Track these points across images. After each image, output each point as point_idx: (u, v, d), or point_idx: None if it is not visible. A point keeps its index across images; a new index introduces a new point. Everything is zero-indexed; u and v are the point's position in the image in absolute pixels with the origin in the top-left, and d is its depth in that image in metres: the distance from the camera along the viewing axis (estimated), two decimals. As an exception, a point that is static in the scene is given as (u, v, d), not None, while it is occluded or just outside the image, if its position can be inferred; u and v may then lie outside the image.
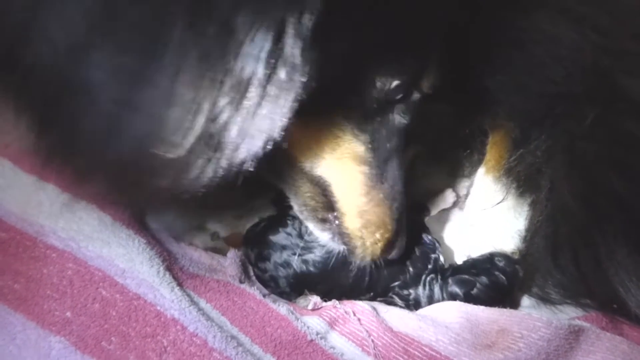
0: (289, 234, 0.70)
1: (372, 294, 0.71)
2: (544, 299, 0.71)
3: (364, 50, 0.53)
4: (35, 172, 0.66)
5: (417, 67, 0.58)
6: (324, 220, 0.64)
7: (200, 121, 0.45)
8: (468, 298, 0.69)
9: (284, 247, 0.69)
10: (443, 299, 0.70)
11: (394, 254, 0.65)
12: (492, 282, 0.69)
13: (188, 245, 0.70)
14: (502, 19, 0.64)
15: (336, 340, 0.64)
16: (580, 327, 0.65)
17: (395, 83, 0.56)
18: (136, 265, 0.61)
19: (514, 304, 0.72)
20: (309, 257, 0.69)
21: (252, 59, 0.44)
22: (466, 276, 0.70)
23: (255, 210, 0.75)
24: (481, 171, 0.77)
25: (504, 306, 0.68)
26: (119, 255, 0.61)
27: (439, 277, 0.71)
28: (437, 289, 0.70)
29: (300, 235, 0.69)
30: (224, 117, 0.45)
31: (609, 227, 0.65)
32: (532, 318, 0.65)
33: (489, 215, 0.75)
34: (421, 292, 0.70)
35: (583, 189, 0.67)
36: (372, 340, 0.64)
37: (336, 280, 0.69)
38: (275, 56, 0.44)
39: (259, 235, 0.71)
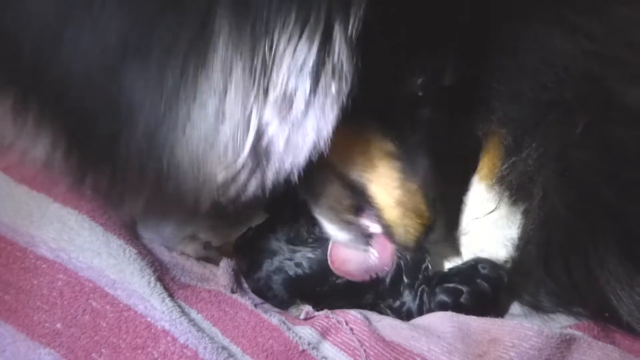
0: (278, 239, 0.70)
1: (372, 296, 0.71)
2: (536, 307, 0.71)
3: (395, 52, 0.54)
4: (26, 181, 0.65)
5: (439, 65, 0.59)
6: (348, 222, 0.66)
7: (250, 138, 0.45)
8: (456, 306, 0.69)
9: (274, 253, 0.69)
10: (431, 309, 0.70)
11: (433, 237, 0.68)
12: (475, 289, 0.70)
13: (180, 255, 0.70)
14: (496, 27, 0.64)
15: (328, 351, 0.64)
16: (572, 335, 0.65)
17: (420, 80, 0.58)
18: (127, 276, 0.61)
19: (501, 310, 0.72)
20: (303, 260, 0.69)
21: (297, 70, 0.43)
22: (452, 284, 0.70)
23: (248, 218, 0.75)
24: (474, 179, 0.77)
25: (490, 313, 0.68)
26: (109, 265, 0.61)
27: (426, 286, 0.71)
28: (426, 299, 0.70)
29: (290, 240, 0.69)
30: (271, 130, 0.45)
31: (600, 236, 0.65)
32: (523, 327, 0.65)
33: (482, 223, 0.75)
34: (412, 302, 0.70)
35: (574, 197, 0.67)
36: (364, 350, 0.64)
37: (334, 281, 0.69)
38: (321, 66, 0.43)
39: (247, 243, 0.71)
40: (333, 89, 0.44)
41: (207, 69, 0.43)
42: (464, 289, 0.70)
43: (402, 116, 0.61)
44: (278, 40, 0.42)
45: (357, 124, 0.58)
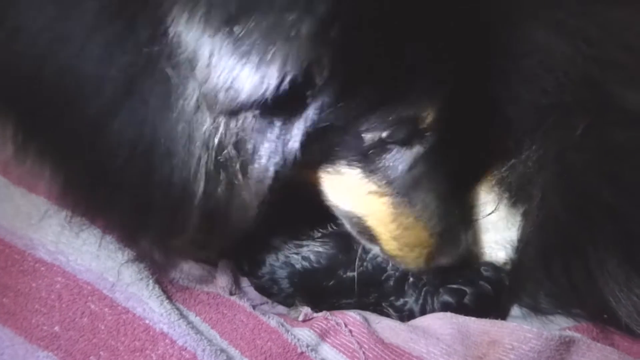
0: (280, 236, 0.70)
1: (377, 294, 0.71)
2: (536, 309, 0.71)
3: (349, 109, 0.53)
4: (24, 184, 0.65)
5: (408, 115, 0.57)
6: (371, 239, 0.67)
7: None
8: (460, 307, 0.69)
9: (277, 249, 0.69)
10: (434, 310, 0.70)
11: (444, 262, 0.67)
12: (478, 290, 0.70)
13: (178, 257, 0.70)
14: (495, 31, 0.64)
15: (327, 353, 0.64)
16: (571, 337, 0.65)
17: (385, 133, 0.56)
18: (125, 279, 0.61)
19: (502, 313, 0.72)
20: (311, 253, 0.69)
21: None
22: (455, 285, 0.70)
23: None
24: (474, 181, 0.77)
25: (492, 315, 0.68)
26: (108, 268, 0.61)
27: (430, 287, 0.71)
28: (429, 299, 0.70)
29: (294, 236, 0.69)
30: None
31: (599, 238, 0.65)
32: (523, 329, 0.65)
33: (481, 225, 0.75)
34: (414, 302, 0.70)
35: (573, 199, 0.67)
36: (363, 352, 0.64)
37: (342, 277, 0.69)
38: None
39: (247, 241, 0.71)
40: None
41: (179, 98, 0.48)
42: (468, 290, 0.70)
43: (383, 159, 0.60)
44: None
45: (334, 167, 0.60)
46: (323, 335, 0.65)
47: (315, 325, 0.66)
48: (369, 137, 0.56)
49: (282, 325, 0.65)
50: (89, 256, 0.61)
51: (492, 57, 0.64)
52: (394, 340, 0.65)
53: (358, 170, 0.60)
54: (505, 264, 0.73)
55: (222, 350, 0.60)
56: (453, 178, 0.64)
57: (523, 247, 0.72)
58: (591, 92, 0.65)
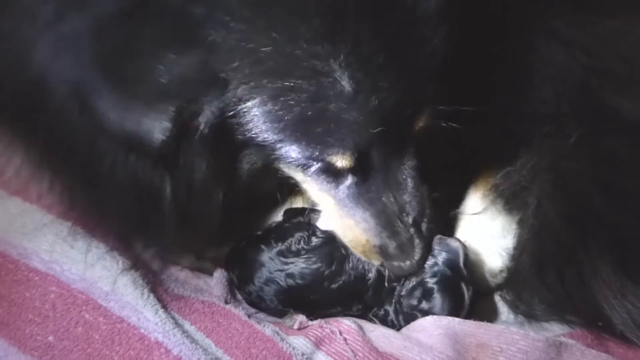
0: (269, 251, 0.70)
1: (360, 306, 0.71)
2: (530, 316, 0.71)
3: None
4: (19, 193, 0.65)
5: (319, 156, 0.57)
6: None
7: None
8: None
9: (263, 265, 0.69)
10: (406, 316, 0.70)
11: (397, 269, 0.69)
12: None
13: (174, 266, 0.70)
14: (493, 40, 0.64)
15: (322, 361, 0.64)
16: (562, 342, 0.66)
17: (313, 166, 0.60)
18: (120, 288, 0.61)
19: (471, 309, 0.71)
20: (295, 270, 0.69)
21: None
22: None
23: (242, 229, 0.75)
24: (469, 188, 0.77)
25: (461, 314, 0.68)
26: (102, 277, 0.61)
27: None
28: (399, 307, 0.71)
29: (281, 252, 0.69)
30: None
31: (593, 245, 0.65)
32: (510, 332, 0.65)
33: (477, 233, 0.75)
34: (393, 312, 0.70)
35: (567, 207, 0.67)
36: (358, 360, 0.64)
37: (328, 289, 0.69)
38: None
39: (238, 255, 0.71)
40: None
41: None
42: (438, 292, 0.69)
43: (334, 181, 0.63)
44: None
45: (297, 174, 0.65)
46: (318, 344, 0.65)
47: (311, 334, 0.65)
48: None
49: (277, 333, 0.64)
50: (83, 265, 0.61)
51: (489, 67, 0.64)
52: (387, 349, 0.65)
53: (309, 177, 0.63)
54: (501, 271, 0.73)
55: (217, 359, 0.60)
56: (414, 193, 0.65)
57: (519, 254, 0.72)
58: (587, 101, 0.66)
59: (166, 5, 0.47)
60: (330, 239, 0.70)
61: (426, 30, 0.53)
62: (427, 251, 0.68)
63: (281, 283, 0.69)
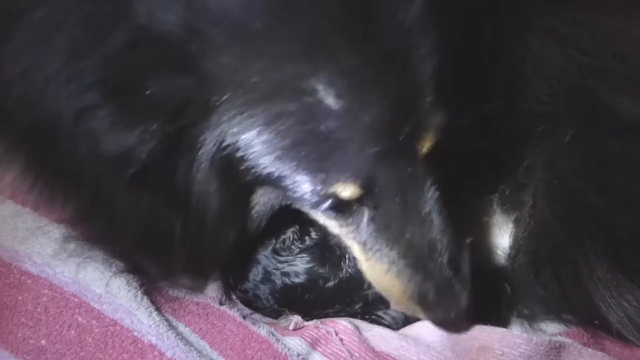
0: (264, 250, 0.69)
1: (361, 304, 0.70)
2: (527, 315, 0.71)
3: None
4: (11, 196, 0.65)
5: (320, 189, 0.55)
6: None
7: None
8: None
9: (259, 263, 0.69)
10: None
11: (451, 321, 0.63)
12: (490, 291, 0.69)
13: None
14: (489, 39, 0.64)
15: (318, 362, 0.64)
16: (561, 343, 0.65)
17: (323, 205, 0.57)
18: (113, 290, 0.60)
19: (504, 322, 0.71)
20: (290, 269, 0.68)
21: None
22: None
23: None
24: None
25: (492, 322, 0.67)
26: (95, 280, 0.61)
27: None
28: None
29: (276, 250, 0.69)
30: None
31: (589, 244, 0.65)
32: (512, 335, 0.65)
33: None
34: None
35: (563, 205, 0.67)
36: (354, 361, 0.63)
37: (323, 288, 0.69)
38: None
39: (232, 255, 0.71)
40: None
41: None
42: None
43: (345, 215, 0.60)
44: None
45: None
46: (314, 344, 0.65)
47: (306, 334, 0.65)
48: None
49: (273, 334, 0.64)
50: (75, 268, 0.61)
51: (486, 66, 0.64)
52: (384, 349, 0.65)
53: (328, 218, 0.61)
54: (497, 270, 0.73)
55: (212, 361, 0.60)
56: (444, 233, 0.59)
57: (515, 254, 0.72)
58: (583, 99, 0.65)
59: (167, 41, 0.48)
60: (324, 239, 0.70)
61: (409, 40, 0.51)
62: (472, 297, 0.61)
63: (277, 281, 0.69)
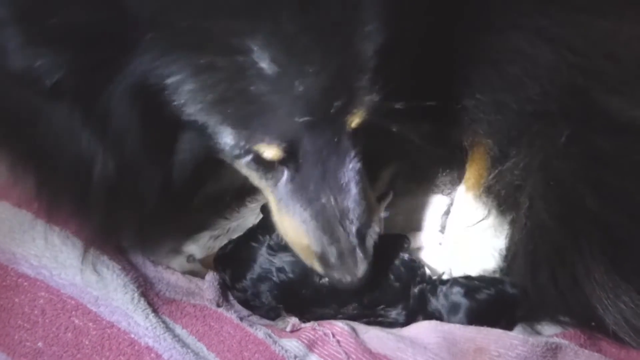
0: (259, 247, 0.70)
1: (356, 304, 0.70)
2: (523, 316, 0.71)
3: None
4: (7, 198, 0.65)
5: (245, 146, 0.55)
6: None
7: None
8: (473, 307, 0.69)
9: (255, 261, 0.69)
10: (428, 315, 0.70)
11: (341, 279, 0.64)
12: (498, 294, 0.69)
13: (165, 269, 0.69)
14: (479, 40, 0.64)
15: (315, 363, 0.64)
16: (557, 344, 0.66)
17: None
18: (110, 292, 0.60)
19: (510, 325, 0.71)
20: (284, 264, 0.69)
21: None
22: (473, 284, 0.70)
23: (231, 231, 0.75)
24: (461, 189, 0.77)
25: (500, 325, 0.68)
26: (92, 282, 0.61)
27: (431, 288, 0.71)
28: (439, 299, 0.70)
29: (270, 247, 0.69)
30: None
31: (585, 245, 0.65)
32: (508, 336, 0.65)
33: (470, 234, 0.75)
34: (439, 303, 0.70)
35: (559, 207, 0.67)
36: (351, 363, 0.63)
37: (319, 285, 0.69)
38: None
39: (228, 255, 0.71)
40: None
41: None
42: (488, 292, 0.69)
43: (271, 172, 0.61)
44: None
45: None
46: (311, 346, 0.65)
47: (303, 336, 0.65)
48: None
49: (270, 336, 0.64)
50: (73, 270, 0.61)
51: (476, 64, 0.64)
52: (381, 350, 0.65)
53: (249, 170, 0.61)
54: (494, 272, 0.73)
55: (209, 363, 0.60)
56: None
57: (512, 255, 0.72)
58: (575, 100, 0.65)
59: None
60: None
61: (356, 14, 0.49)
62: (371, 270, 0.64)
63: (273, 278, 0.69)
